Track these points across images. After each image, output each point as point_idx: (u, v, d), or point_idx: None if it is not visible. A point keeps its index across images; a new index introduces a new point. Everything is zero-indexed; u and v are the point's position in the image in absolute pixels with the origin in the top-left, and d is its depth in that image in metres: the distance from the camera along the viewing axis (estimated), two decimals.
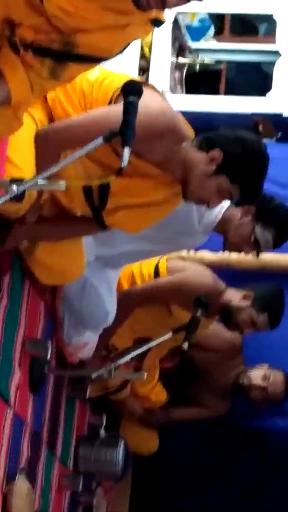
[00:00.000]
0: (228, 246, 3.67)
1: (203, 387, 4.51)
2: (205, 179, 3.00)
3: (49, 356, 3.33)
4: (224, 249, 3.74)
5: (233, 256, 4.49)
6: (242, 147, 3.01)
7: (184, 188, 3.06)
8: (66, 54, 2.38)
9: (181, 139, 3.02)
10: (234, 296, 4.01)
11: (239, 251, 3.72)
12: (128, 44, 2.51)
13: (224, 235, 3.65)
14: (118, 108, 2.45)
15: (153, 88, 3.06)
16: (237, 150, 2.99)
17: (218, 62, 6.47)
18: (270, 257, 4.47)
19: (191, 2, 2.38)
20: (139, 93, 2.29)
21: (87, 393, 3.81)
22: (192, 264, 4.14)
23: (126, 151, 2.23)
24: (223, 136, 3.04)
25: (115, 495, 4.53)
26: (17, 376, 3.13)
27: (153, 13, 2.38)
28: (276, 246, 3.71)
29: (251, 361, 4.49)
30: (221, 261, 4.47)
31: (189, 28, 6.23)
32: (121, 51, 2.52)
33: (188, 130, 3.09)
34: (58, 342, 3.65)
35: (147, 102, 2.53)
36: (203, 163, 2.99)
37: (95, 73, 2.97)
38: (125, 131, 2.24)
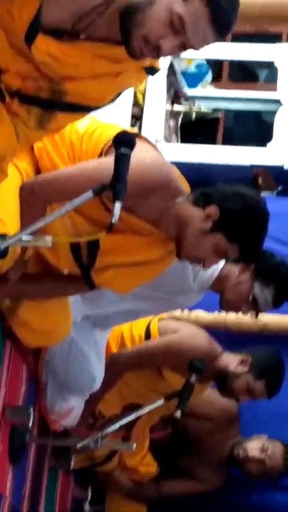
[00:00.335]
0: (225, 305, 3.66)
1: (197, 458, 4.48)
2: (200, 237, 2.99)
3: (30, 423, 3.31)
4: (220, 308, 3.73)
5: (230, 317, 4.50)
6: (240, 203, 3.00)
7: (178, 246, 3.05)
8: (54, 103, 2.41)
9: (175, 194, 3.02)
10: (231, 361, 4.00)
11: (237, 310, 3.71)
12: (121, 93, 2.54)
13: (221, 293, 3.65)
14: (109, 161, 2.47)
15: (146, 140, 3.07)
16: (235, 207, 2.99)
17: (216, 110, 6.53)
18: (269, 318, 4.49)
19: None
20: (131, 145, 2.32)
21: (71, 464, 3.78)
22: (186, 325, 4.13)
23: (117, 206, 2.25)
24: (220, 192, 3.04)
25: None
26: None
27: (147, 61, 2.41)
28: (276, 306, 3.70)
29: (248, 431, 4.46)
30: (217, 322, 4.47)
31: (185, 74, 6.29)
32: (113, 100, 2.54)
33: (183, 185, 3.10)
34: (41, 408, 3.63)
35: (139, 155, 2.55)
36: (198, 219, 2.98)
37: (85, 123, 2.98)
38: (116, 185, 2.25)
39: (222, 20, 2.32)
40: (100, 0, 2.27)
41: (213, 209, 2.96)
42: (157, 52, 2.32)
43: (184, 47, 2.33)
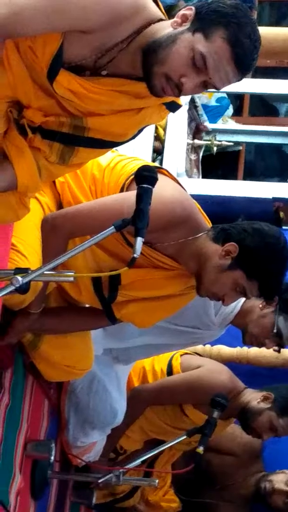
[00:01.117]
0: (248, 339, 3.65)
1: (220, 494, 4.45)
2: (219, 274, 3.00)
3: (52, 458, 3.31)
4: (243, 342, 3.71)
5: (252, 351, 4.48)
6: (259, 240, 3.01)
7: (198, 283, 3.06)
8: (76, 138, 2.41)
9: (196, 229, 3.03)
10: (253, 397, 3.98)
11: (260, 345, 3.69)
12: (142, 129, 2.54)
13: (244, 328, 3.64)
14: (131, 195, 2.47)
15: (167, 173, 3.07)
16: (253, 244, 3.00)
17: (237, 143, 6.54)
18: None
19: None
20: (153, 180, 2.32)
21: (93, 499, 3.78)
22: (208, 361, 4.13)
23: (139, 241, 2.25)
24: (239, 228, 3.04)
25: None
26: (17, 481, 3.11)
27: (169, 96, 2.41)
28: None
29: (271, 467, 4.44)
30: (240, 357, 4.45)
31: (206, 107, 6.32)
32: (135, 136, 2.55)
33: (203, 220, 3.11)
34: (63, 443, 3.62)
35: (161, 190, 2.55)
36: (218, 256, 2.99)
37: (107, 156, 2.98)
38: (138, 221, 2.26)
39: (244, 59, 2.31)
40: (122, 37, 2.27)
41: (232, 246, 2.98)
42: (179, 90, 2.30)
43: (205, 85, 2.32)
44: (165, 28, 2.30)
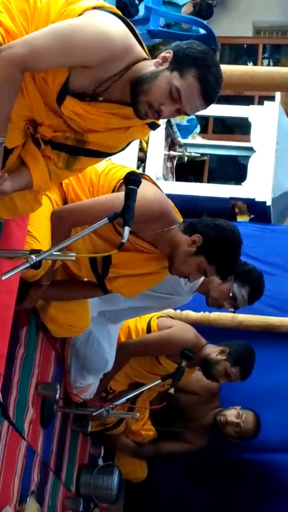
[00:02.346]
0: (210, 301, 3.64)
1: (186, 425, 4.45)
2: (186, 258, 3.02)
3: (57, 396, 3.32)
4: (207, 305, 3.70)
5: (212, 316, 4.49)
6: (219, 233, 3.02)
7: (170, 264, 3.08)
8: (78, 149, 2.40)
9: (170, 223, 3.04)
10: (212, 351, 4.00)
11: (220, 306, 3.69)
12: (130, 143, 2.54)
13: (206, 293, 3.64)
14: (120, 195, 2.46)
15: (149, 178, 3.09)
16: (214, 236, 3.01)
17: (203, 155, 6.53)
18: (243, 317, 4.48)
19: None
20: (137, 183, 2.32)
21: (89, 428, 3.78)
22: (178, 322, 4.13)
23: (127, 230, 2.25)
24: (204, 223, 3.06)
25: None
26: (30, 413, 3.11)
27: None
28: (250, 302, 3.70)
29: (226, 404, 4.45)
30: (203, 319, 4.46)
31: (179, 126, 6.30)
32: (124, 148, 2.54)
33: (176, 215, 3.12)
34: (66, 384, 3.62)
35: (144, 191, 2.55)
36: (186, 244, 3.01)
37: (102, 164, 2.99)
38: (125, 214, 2.26)
39: (210, 93, 2.32)
40: (114, 72, 2.26)
41: (197, 237, 2.99)
42: (158, 115, 2.32)
43: (179, 112, 2.33)
44: (149, 66, 2.30)
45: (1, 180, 2.26)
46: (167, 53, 2.30)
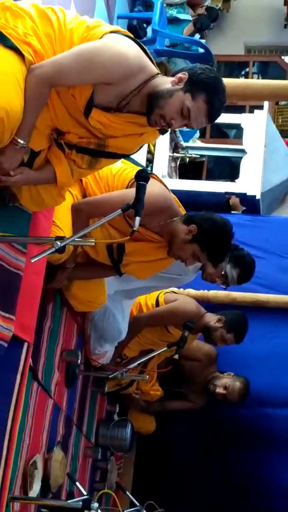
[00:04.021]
0: (204, 276, 3.54)
1: (188, 387, 4.45)
2: (183, 245, 3.03)
3: (79, 361, 3.33)
4: (202, 278, 3.57)
5: (210, 293, 4.49)
6: (212, 226, 3.04)
7: (169, 249, 3.09)
8: (99, 152, 2.40)
9: (173, 215, 3.05)
10: (211, 319, 4.00)
11: (213, 281, 3.60)
12: (142, 146, 2.55)
13: (203, 270, 3.62)
14: (131, 191, 2.48)
15: (156, 177, 3.09)
16: (208, 227, 3.02)
17: (202, 156, 6.52)
18: (237, 294, 4.48)
19: None
20: (147, 179, 2.31)
21: (105, 388, 3.79)
22: (181, 296, 4.12)
23: (137, 220, 2.24)
24: (201, 216, 3.07)
25: (124, 462, 4.48)
26: (56, 376, 3.12)
27: None
28: (239, 282, 3.66)
29: (223, 368, 4.44)
30: (202, 297, 4.45)
31: (181, 132, 6.28)
32: (137, 151, 2.55)
33: (179, 209, 3.12)
34: (86, 351, 3.63)
35: (151, 188, 2.54)
36: (183, 233, 3.02)
37: (117, 166, 3.00)
38: (136, 205, 2.25)
39: (215, 115, 2.36)
40: (133, 87, 2.26)
41: (193, 227, 3.01)
42: (168, 125, 2.35)
43: (186, 125, 2.35)
44: (166, 83, 2.31)
45: (18, 171, 2.26)
46: (183, 75, 2.32)
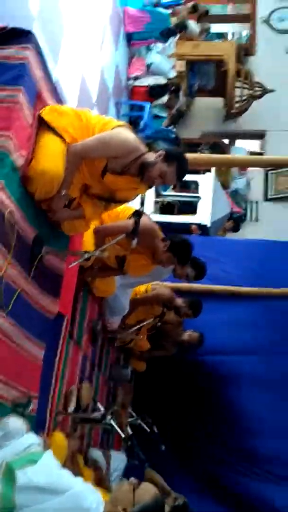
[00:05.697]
0: (175, 274, 3.37)
1: (166, 340, 4.39)
2: (162, 254, 3.00)
3: (99, 327, 3.32)
4: (174, 276, 3.41)
5: (180, 285, 4.44)
6: (179, 241, 3.00)
7: (153, 257, 3.05)
8: (111, 200, 2.39)
9: (157, 236, 3.02)
10: (179, 301, 3.83)
11: (180, 278, 3.45)
12: (137, 195, 2.52)
13: (174, 270, 3.42)
14: (131, 221, 2.41)
15: (145, 214, 3.04)
16: (176, 242, 2.99)
17: (174, 200, 6.49)
18: (194, 285, 4.39)
19: None
20: (140, 216, 2.31)
21: (115, 344, 3.77)
22: (162, 285, 3.98)
23: (135, 241, 2.25)
24: (172, 236, 3.04)
25: (126, 389, 4.43)
26: (85, 336, 3.11)
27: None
28: (196, 279, 3.54)
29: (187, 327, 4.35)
30: (175, 287, 4.38)
31: (161, 186, 6.25)
32: (134, 199, 2.53)
33: (160, 234, 3.07)
34: (103, 320, 3.59)
35: (143, 221, 2.53)
36: (162, 246, 3.00)
37: (120, 207, 2.95)
38: (134, 234, 2.25)
39: (182, 177, 2.33)
40: (132, 159, 2.24)
41: (168, 243, 2.98)
42: (153, 184, 2.34)
43: (164, 183, 2.32)
44: (151, 157, 2.28)
45: (62, 210, 2.23)
46: (162, 151, 2.30)
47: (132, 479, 1.57)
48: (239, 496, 3.67)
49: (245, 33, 9.23)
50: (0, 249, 1.88)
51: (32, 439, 1.63)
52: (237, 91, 8.16)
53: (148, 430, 3.42)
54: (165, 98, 7.10)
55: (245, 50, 8.68)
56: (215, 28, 8.77)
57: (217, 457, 3.94)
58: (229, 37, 9.35)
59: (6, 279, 1.92)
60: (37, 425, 2.19)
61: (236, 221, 6.99)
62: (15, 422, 1.68)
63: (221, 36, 9.27)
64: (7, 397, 1.93)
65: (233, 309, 4.40)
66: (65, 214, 2.29)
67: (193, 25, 7.64)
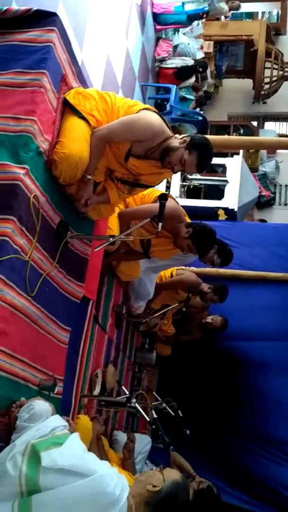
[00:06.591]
0: (201, 260, 3.36)
1: (191, 325, 4.38)
2: (182, 240, 2.95)
3: (124, 311, 3.32)
4: (200, 261, 3.38)
5: (206, 269, 4.41)
6: (200, 229, 2.94)
7: (174, 242, 3.01)
8: (135, 184, 2.37)
9: (181, 221, 2.98)
10: (204, 285, 3.84)
11: (205, 263, 3.41)
12: (162, 180, 2.48)
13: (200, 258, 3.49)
14: (156, 205, 2.36)
15: (171, 197, 3.02)
16: (198, 230, 2.94)
17: (200, 184, 6.41)
18: (221, 270, 4.39)
19: None
20: (165, 199, 2.27)
21: (140, 328, 3.78)
22: (187, 271, 3.96)
23: (160, 225, 2.22)
24: (195, 224, 2.98)
25: (151, 374, 4.46)
26: (110, 321, 3.12)
27: None
28: (221, 266, 3.51)
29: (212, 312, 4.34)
30: (202, 272, 4.37)
31: None
32: (159, 183, 2.50)
33: (185, 217, 3.04)
34: (128, 305, 3.60)
35: (169, 204, 2.50)
36: (183, 233, 2.94)
37: (145, 192, 2.93)
38: (159, 217, 2.22)
39: (202, 167, 2.27)
40: (156, 143, 2.21)
41: (190, 230, 2.93)
42: (172, 170, 2.28)
43: (183, 171, 2.28)
44: (175, 142, 2.23)
45: (91, 201, 2.23)
46: (187, 138, 2.25)
47: (155, 467, 1.58)
48: (261, 480, 3.69)
49: (275, 11, 8.94)
50: (25, 233, 1.88)
51: (57, 422, 1.64)
52: (267, 72, 7.92)
53: (173, 414, 3.42)
54: (192, 80, 6.95)
55: (276, 30, 8.42)
56: (245, 7, 8.52)
57: (238, 442, 3.96)
58: (259, 16, 9.06)
59: (31, 264, 1.92)
60: (63, 408, 2.22)
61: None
62: (41, 405, 1.68)
63: (251, 15, 9.01)
64: (33, 380, 1.96)
65: (260, 295, 4.37)
66: (93, 200, 2.28)
67: (222, 4, 7.43)
